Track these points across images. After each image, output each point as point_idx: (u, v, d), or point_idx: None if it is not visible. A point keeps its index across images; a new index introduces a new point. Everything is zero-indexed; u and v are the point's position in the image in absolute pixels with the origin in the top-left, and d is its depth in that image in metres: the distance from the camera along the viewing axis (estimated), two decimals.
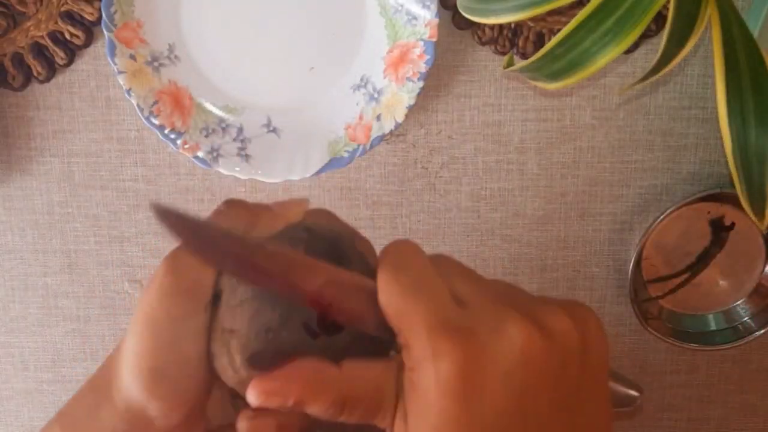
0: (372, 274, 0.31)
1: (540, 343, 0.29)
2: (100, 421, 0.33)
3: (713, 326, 0.65)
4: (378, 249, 0.32)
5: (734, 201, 0.58)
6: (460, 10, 0.50)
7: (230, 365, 0.31)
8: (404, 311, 0.29)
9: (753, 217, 0.45)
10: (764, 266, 0.64)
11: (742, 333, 0.64)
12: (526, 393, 0.29)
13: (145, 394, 0.31)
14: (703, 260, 0.63)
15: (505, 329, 0.29)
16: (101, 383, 0.33)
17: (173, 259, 0.32)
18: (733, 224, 0.62)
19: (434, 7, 0.57)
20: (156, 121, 0.59)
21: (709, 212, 0.62)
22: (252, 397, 0.30)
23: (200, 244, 0.31)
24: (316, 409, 0.29)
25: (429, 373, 0.28)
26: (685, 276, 0.64)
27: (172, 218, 0.30)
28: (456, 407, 0.28)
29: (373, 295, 0.30)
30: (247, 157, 0.61)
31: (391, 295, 0.30)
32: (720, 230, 0.62)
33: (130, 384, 0.31)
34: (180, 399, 0.32)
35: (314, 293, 0.30)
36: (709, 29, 0.43)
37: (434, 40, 0.57)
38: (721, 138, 0.44)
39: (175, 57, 0.60)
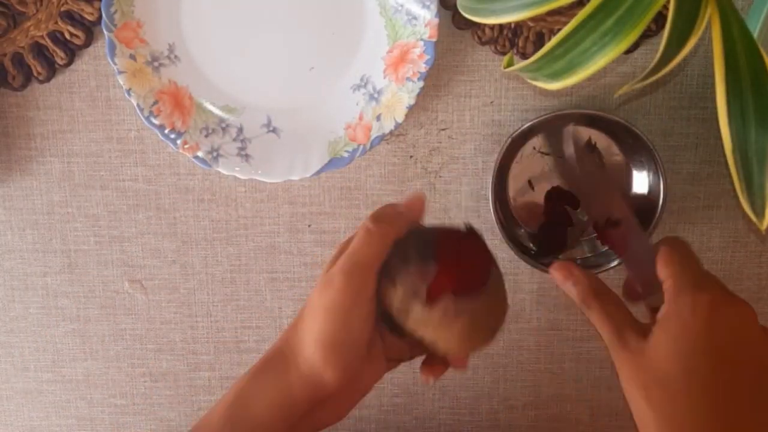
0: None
1: (757, 329, 0.43)
2: (286, 382, 0.45)
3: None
4: None
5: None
6: (460, 10, 0.50)
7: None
8: (677, 265, 0.45)
9: (753, 217, 0.45)
10: None
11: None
12: (738, 353, 0.43)
13: (324, 364, 0.44)
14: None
15: (741, 304, 0.44)
16: (281, 357, 0.46)
17: (350, 263, 0.44)
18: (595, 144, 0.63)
19: (434, 7, 0.57)
20: (156, 121, 0.59)
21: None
22: (555, 270, 0.49)
23: None
24: (581, 288, 0.48)
25: (689, 299, 0.43)
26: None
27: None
28: (703, 322, 0.42)
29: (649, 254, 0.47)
30: (247, 157, 0.61)
31: (670, 253, 0.46)
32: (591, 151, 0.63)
33: (313, 356, 0.44)
34: (350, 367, 0.44)
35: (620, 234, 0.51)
36: (709, 29, 0.43)
37: (434, 40, 0.57)
38: (721, 138, 0.44)
39: (175, 57, 0.60)
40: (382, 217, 0.46)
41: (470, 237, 0.48)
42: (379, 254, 0.45)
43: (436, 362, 0.49)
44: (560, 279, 0.48)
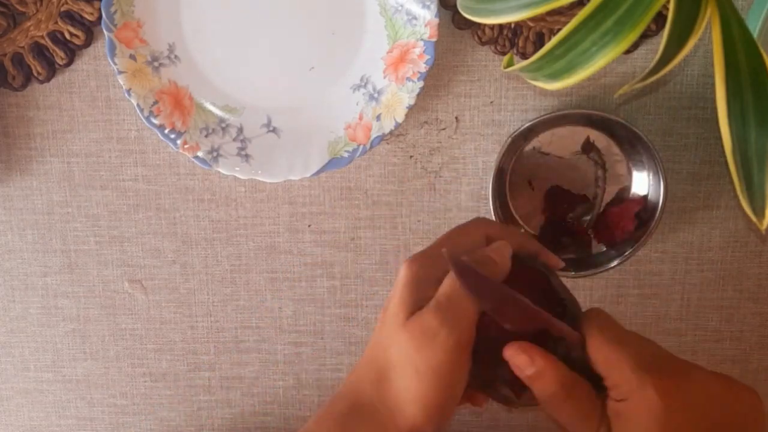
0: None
1: (723, 393, 0.38)
2: None
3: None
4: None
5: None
6: (460, 10, 0.50)
7: None
8: (611, 357, 0.39)
9: (753, 217, 0.45)
10: None
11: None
12: None
13: (427, 423, 0.41)
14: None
15: (695, 374, 0.38)
16: (373, 412, 0.42)
17: (452, 313, 0.41)
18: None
19: (434, 7, 0.57)
20: (156, 121, 0.59)
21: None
22: (510, 350, 0.40)
23: (492, 301, 0.41)
24: (547, 383, 0.40)
25: (637, 401, 0.37)
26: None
27: (471, 277, 0.40)
28: (662, 421, 0.36)
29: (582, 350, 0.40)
30: (247, 157, 0.61)
31: (599, 346, 0.39)
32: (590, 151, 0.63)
33: (416, 416, 0.41)
34: (446, 421, 0.42)
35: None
36: (709, 29, 0.43)
37: (434, 40, 0.57)
38: (721, 138, 0.44)
39: (175, 57, 0.60)
40: (483, 262, 0.42)
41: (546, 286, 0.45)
42: (475, 304, 0.41)
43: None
44: (518, 363, 0.41)
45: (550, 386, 0.40)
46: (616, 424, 0.38)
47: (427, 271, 0.43)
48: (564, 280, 0.66)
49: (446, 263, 0.42)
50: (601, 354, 0.39)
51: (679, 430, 0.37)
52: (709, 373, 0.39)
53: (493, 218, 0.61)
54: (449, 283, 0.41)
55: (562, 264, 0.47)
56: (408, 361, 0.41)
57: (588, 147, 0.62)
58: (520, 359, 0.40)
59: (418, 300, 0.42)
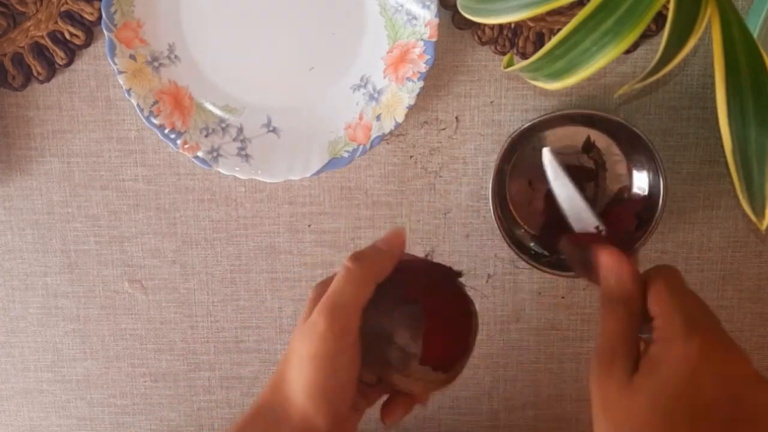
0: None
1: (753, 376, 0.39)
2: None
3: None
4: None
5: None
6: (460, 10, 0.50)
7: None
8: (669, 301, 0.41)
9: (753, 217, 0.45)
10: None
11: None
12: (723, 405, 0.39)
13: (316, 413, 0.43)
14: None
15: (735, 350, 0.40)
16: (270, 408, 0.45)
17: (330, 306, 0.43)
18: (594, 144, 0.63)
19: (434, 7, 0.57)
20: (156, 121, 0.59)
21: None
22: (604, 254, 0.44)
23: None
24: (622, 286, 0.43)
25: (678, 346, 0.39)
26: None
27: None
28: (690, 376, 0.38)
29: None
30: (247, 157, 0.61)
31: (661, 289, 0.42)
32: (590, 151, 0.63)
33: (304, 406, 0.44)
34: (339, 413, 0.44)
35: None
36: (709, 29, 0.43)
37: (434, 40, 0.57)
38: (721, 138, 0.44)
39: (175, 57, 0.60)
40: (362, 256, 0.45)
41: (450, 281, 0.47)
42: (361, 294, 0.44)
43: (398, 403, 0.48)
44: (606, 267, 0.44)
45: (621, 289, 0.43)
46: (646, 364, 0.40)
47: (326, 285, 0.46)
48: (564, 280, 0.66)
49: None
50: (660, 297, 0.42)
51: (701, 393, 0.38)
52: (748, 357, 0.40)
53: (494, 218, 0.61)
54: (336, 280, 0.44)
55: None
56: (293, 351, 0.44)
57: (588, 146, 0.62)
58: (612, 258, 0.44)
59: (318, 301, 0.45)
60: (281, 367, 0.46)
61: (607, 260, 0.44)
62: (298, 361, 0.44)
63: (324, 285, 0.46)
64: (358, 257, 0.44)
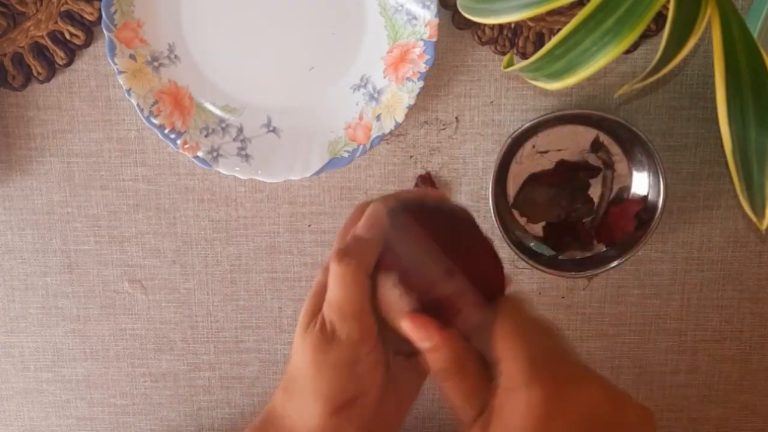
0: None
1: (609, 409, 0.37)
2: None
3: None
4: None
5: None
6: (460, 10, 0.50)
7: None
8: (512, 344, 0.38)
9: (753, 217, 0.45)
10: None
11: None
12: None
13: (340, 420, 0.41)
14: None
15: (586, 385, 0.37)
16: (285, 419, 0.43)
17: (340, 317, 0.41)
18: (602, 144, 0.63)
19: (434, 7, 0.57)
20: (156, 121, 0.59)
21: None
22: (407, 323, 0.40)
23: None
24: (439, 358, 0.39)
25: (521, 396, 0.36)
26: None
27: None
28: (536, 426, 0.35)
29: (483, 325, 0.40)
30: (247, 157, 0.61)
31: (504, 330, 0.38)
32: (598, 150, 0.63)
33: (320, 416, 0.41)
34: (365, 418, 0.42)
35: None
36: (709, 29, 0.43)
37: (434, 40, 0.57)
38: (721, 138, 0.44)
39: (175, 57, 0.60)
40: (346, 254, 0.41)
41: (467, 225, 0.44)
42: (363, 295, 0.41)
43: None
44: (415, 337, 0.40)
45: (442, 362, 0.40)
46: (496, 414, 0.37)
47: (318, 296, 0.43)
48: (564, 280, 0.66)
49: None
50: (504, 339, 0.38)
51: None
52: (604, 387, 0.38)
53: (493, 218, 0.61)
54: (331, 289, 0.41)
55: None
56: (305, 367, 0.41)
57: (597, 146, 0.62)
58: (417, 334, 0.40)
59: (318, 305, 0.43)
60: (290, 372, 0.43)
61: (414, 331, 0.40)
62: (318, 373, 0.41)
63: (319, 290, 0.43)
64: (342, 257, 0.41)
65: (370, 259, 0.42)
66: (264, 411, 0.44)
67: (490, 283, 0.43)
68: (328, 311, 0.41)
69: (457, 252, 0.42)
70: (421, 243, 0.42)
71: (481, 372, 0.40)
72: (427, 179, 0.63)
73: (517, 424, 0.36)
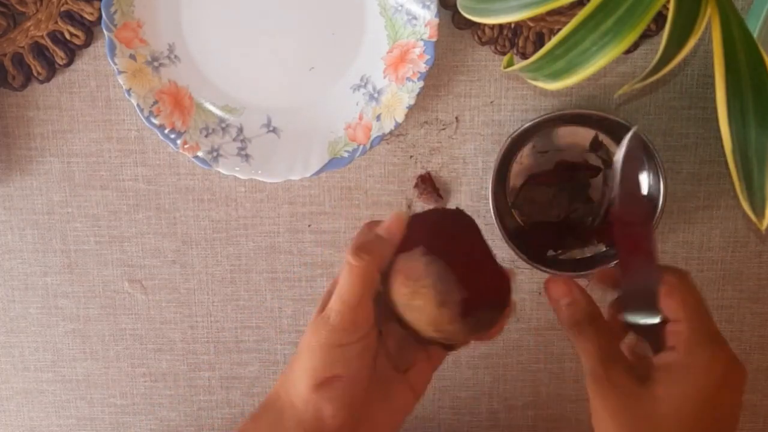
0: None
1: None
2: (282, 424, 0.44)
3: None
4: None
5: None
6: (460, 10, 0.50)
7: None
8: (696, 309, 0.41)
9: (753, 217, 0.45)
10: None
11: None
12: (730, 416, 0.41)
13: (320, 399, 0.43)
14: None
15: (739, 362, 0.41)
16: (276, 400, 0.45)
17: (338, 305, 0.43)
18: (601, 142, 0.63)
19: (434, 7, 0.57)
20: (156, 121, 0.59)
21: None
22: (552, 284, 0.46)
23: None
24: (576, 310, 0.45)
25: (707, 356, 0.40)
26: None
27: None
28: (718, 386, 0.39)
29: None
30: (247, 157, 0.61)
31: (689, 294, 0.42)
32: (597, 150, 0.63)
33: (308, 392, 0.43)
34: (352, 402, 0.43)
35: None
36: (709, 29, 0.43)
37: (434, 40, 0.57)
38: (721, 138, 0.44)
39: (175, 57, 0.60)
40: (362, 248, 0.44)
41: (467, 227, 0.47)
42: (367, 288, 0.43)
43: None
44: (555, 295, 0.45)
45: (579, 313, 0.45)
46: (665, 372, 0.40)
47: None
48: None
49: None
50: (692, 302, 0.42)
51: (722, 405, 0.40)
52: (742, 368, 0.42)
53: (494, 218, 0.61)
54: (341, 278, 0.44)
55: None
56: (305, 345, 0.44)
57: (596, 145, 0.62)
58: (557, 292, 0.45)
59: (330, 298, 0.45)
60: (291, 360, 0.46)
61: (553, 289, 0.46)
62: (308, 352, 0.44)
63: (330, 291, 0.45)
64: (359, 251, 0.44)
65: (384, 258, 0.44)
66: (268, 394, 0.46)
67: (499, 292, 0.45)
68: (333, 299, 0.44)
69: (468, 259, 0.44)
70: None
71: (615, 337, 0.44)
72: (427, 179, 0.63)
73: (700, 381, 0.39)
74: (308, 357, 0.43)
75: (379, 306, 0.45)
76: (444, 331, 0.44)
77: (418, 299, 0.43)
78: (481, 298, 0.44)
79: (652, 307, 0.43)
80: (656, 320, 0.42)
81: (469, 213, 0.59)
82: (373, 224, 0.47)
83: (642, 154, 0.45)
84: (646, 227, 0.45)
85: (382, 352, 0.46)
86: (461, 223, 0.47)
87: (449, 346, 0.47)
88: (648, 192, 0.62)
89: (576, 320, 0.44)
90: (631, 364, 0.43)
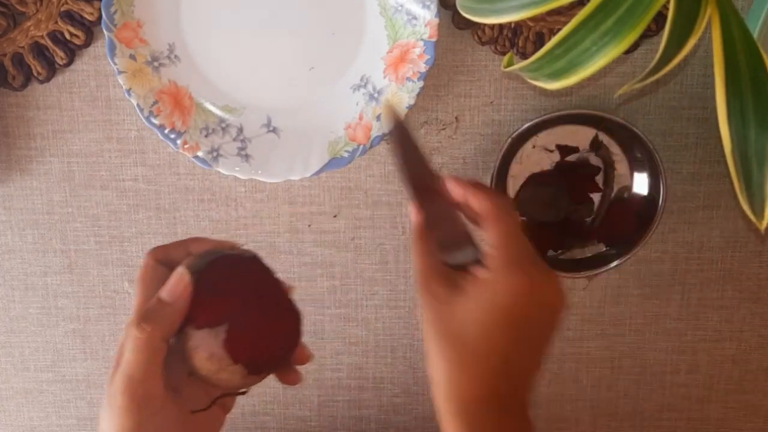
0: None
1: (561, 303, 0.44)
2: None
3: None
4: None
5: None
6: (460, 10, 0.50)
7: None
8: (509, 235, 0.43)
9: (753, 217, 0.45)
10: None
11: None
12: (535, 329, 0.43)
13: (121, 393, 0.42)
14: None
15: (550, 278, 0.43)
16: None
17: (125, 382, 0.42)
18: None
19: (434, 7, 0.57)
20: (156, 121, 0.59)
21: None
22: (450, 182, 0.45)
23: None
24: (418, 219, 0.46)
25: (511, 274, 0.42)
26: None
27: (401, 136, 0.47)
28: (515, 309, 0.42)
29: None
30: (247, 157, 0.61)
31: (503, 223, 0.44)
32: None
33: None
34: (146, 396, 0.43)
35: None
36: (709, 29, 0.43)
37: (434, 40, 0.57)
38: (721, 138, 0.44)
39: (175, 57, 0.60)
40: (148, 318, 0.43)
41: (251, 263, 0.48)
42: (152, 359, 0.43)
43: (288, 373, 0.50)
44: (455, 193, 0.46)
45: (419, 225, 0.46)
46: (473, 284, 0.43)
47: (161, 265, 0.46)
48: (564, 280, 0.66)
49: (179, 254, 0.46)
50: (503, 227, 0.44)
51: (522, 312, 0.42)
52: (558, 283, 0.44)
53: None
54: (126, 352, 0.43)
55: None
56: (105, 416, 0.43)
57: (596, 145, 0.62)
58: (456, 189, 0.45)
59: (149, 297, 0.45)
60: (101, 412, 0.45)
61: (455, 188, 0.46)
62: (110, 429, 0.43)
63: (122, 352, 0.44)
64: (143, 321, 0.43)
65: (171, 326, 0.43)
66: None
67: (289, 336, 0.47)
68: (118, 378, 0.42)
69: (264, 302, 0.46)
70: None
71: (443, 250, 0.45)
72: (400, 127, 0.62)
73: (500, 301, 0.42)
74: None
75: (171, 364, 0.44)
76: (242, 386, 0.46)
77: (224, 374, 0.44)
78: (276, 351, 0.46)
79: (467, 245, 0.45)
80: (472, 257, 0.44)
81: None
82: (159, 251, 0.46)
83: (402, 124, 0.47)
84: (433, 178, 0.46)
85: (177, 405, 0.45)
86: (253, 266, 0.48)
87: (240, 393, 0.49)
88: (648, 192, 0.62)
89: (416, 230, 0.46)
90: (452, 276, 0.44)
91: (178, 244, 0.47)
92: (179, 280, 0.44)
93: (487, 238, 0.44)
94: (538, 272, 0.43)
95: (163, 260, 0.46)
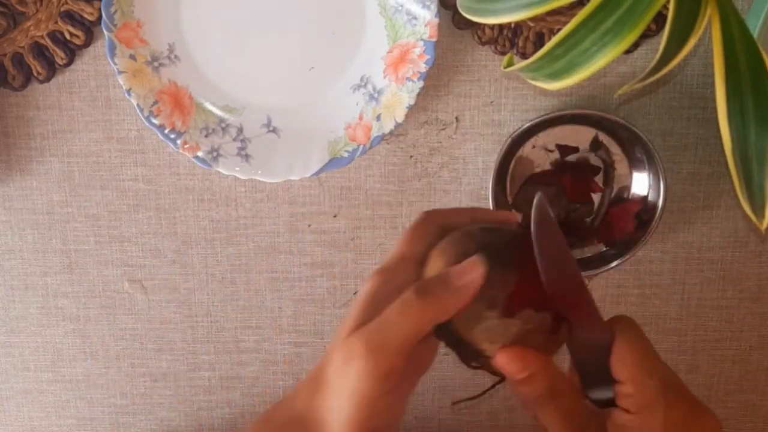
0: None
1: None
2: None
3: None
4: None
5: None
6: (460, 10, 0.50)
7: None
8: (642, 366, 0.39)
9: (753, 217, 0.45)
10: None
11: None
12: None
13: None
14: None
15: (704, 412, 0.40)
16: (303, 427, 0.40)
17: (373, 346, 0.37)
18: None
19: (434, 7, 0.57)
20: (156, 121, 0.59)
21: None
22: (504, 357, 0.39)
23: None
24: (537, 387, 0.39)
25: (659, 413, 0.38)
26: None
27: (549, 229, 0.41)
28: None
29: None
30: (247, 157, 0.61)
31: (631, 351, 0.39)
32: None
33: None
34: None
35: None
36: (709, 29, 0.43)
37: (434, 40, 0.57)
38: (721, 138, 0.44)
39: (175, 57, 0.60)
40: (429, 291, 0.38)
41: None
42: (414, 334, 0.37)
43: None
44: (512, 370, 0.39)
45: (539, 389, 0.39)
46: (629, 430, 0.38)
47: (387, 285, 0.40)
48: None
49: (407, 275, 0.40)
50: (632, 360, 0.39)
51: None
52: (712, 415, 0.40)
53: None
54: (390, 310, 0.38)
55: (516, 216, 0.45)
56: (337, 380, 0.39)
57: (596, 145, 0.62)
58: (513, 367, 0.39)
59: (368, 316, 0.39)
60: (321, 378, 0.40)
61: (506, 364, 0.39)
62: (338, 390, 0.38)
63: (385, 281, 0.40)
64: (424, 291, 0.38)
65: (445, 312, 0.38)
66: (287, 407, 0.41)
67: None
68: (367, 336, 0.38)
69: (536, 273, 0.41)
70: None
71: (578, 396, 0.40)
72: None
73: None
74: (340, 400, 0.38)
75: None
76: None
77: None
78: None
79: (609, 379, 0.40)
80: (611, 393, 0.40)
81: None
82: (435, 213, 0.41)
83: (549, 214, 0.41)
84: (581, 292, 0.40)
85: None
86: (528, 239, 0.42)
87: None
88: (648, 192, 0.62)
89: (536, 397, 0.39)
90: (599, 424, 0.40)
91: (459, 211, 0.43)
92: (475, 265, 0.39)
93: (616, 374, 0.39)
94: (686, 404, 0.39)
95: (438, 223, 0.42)
